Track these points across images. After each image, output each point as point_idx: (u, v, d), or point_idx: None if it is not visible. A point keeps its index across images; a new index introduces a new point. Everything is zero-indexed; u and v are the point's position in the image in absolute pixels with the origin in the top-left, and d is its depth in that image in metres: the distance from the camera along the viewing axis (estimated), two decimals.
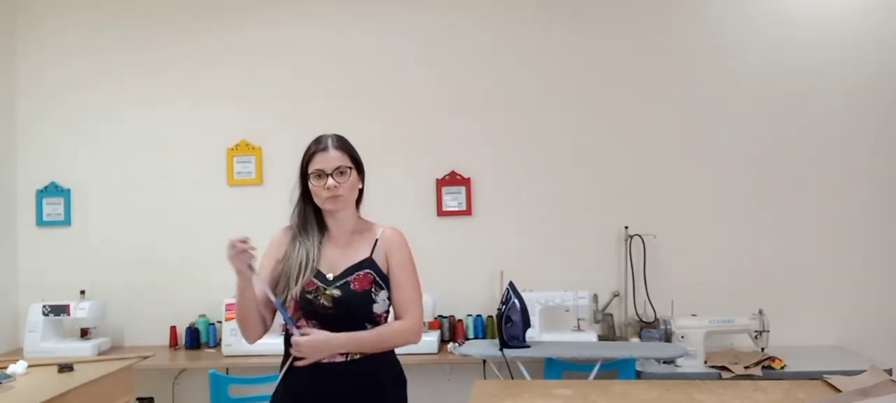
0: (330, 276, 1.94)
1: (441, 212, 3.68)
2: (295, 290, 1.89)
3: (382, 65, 3.73)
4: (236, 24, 3.77)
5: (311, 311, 1.90)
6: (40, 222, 3.81)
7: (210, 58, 3.78)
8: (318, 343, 1.87)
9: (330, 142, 1.97)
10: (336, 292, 1.91)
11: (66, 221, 3.80)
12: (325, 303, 1.90)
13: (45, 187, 3.81)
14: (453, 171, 3.69)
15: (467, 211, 3.68)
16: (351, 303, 1.91)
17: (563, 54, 3.67)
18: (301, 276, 1.90)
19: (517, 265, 3.56)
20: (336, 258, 1.97)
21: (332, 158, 1.94)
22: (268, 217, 3.57)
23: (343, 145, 1.99)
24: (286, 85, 3.75)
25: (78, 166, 3.81)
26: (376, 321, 1.96)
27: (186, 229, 3.76)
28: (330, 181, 1.91)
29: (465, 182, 3.69)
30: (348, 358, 1.91)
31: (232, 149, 3.76)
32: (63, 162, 3.82)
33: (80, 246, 3.79)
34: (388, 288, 1.97)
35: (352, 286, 1.93)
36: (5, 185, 3.78)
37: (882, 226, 3.52)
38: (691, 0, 3.63)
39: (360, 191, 2.03)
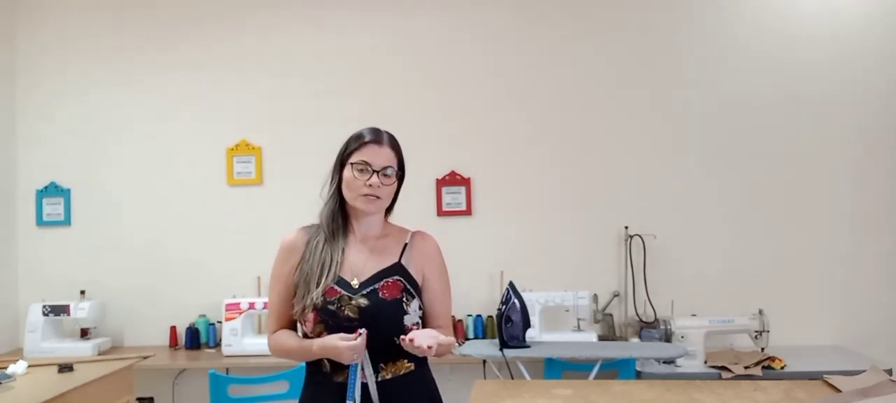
0: (355, 283, 1.72)
1: (441, 212, 3.68)
2: (315, 296, 1.68)
3: (382, 65, 3.72)
4: (237, 25, 3.77)
5: (335, 325, 1.67)
6: (40, 222, 3.81)
7: (210, 58, 3.78)
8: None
9: (385, 136, 1.78)
10: (363, 301, 1.70)
11: (66, 221, 3.80)
12: (351, 314, 1.68)
13: (45, 187, 3.81)
14: (453, 171, 3.69)
15: (467, 212, 3.68)
16: (380, 314, 1.69)
17: (563, 55, 3.67)
18: (323, 280, 1.69)
19: (517, 265, 3.56)
20: (361, 263, 1.75)
21: (383, 155, 1.76)
22: (268, 217, 3.65)
23: (396, 146, 1.81)
24: (286, 85, 3.75)
25: (78, 166, 3.81)
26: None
27: (187, 229, 3.76)
28: (374, 179, 1.72)
29: (465, 182, 3.68)
30: (379, 379, 1.70)
31: (232, 149, 3.76)
32: (63, 162, 3.82)
33: (80, 246, 3.79)
34: (420, 297, 1.78)
35: (380, 294, 1.71)
36: (5, 185, 3.78)
37: (882, 227, 3.52)
38: (693, 1, 3.63)
39: (393, 200, 1.85)
